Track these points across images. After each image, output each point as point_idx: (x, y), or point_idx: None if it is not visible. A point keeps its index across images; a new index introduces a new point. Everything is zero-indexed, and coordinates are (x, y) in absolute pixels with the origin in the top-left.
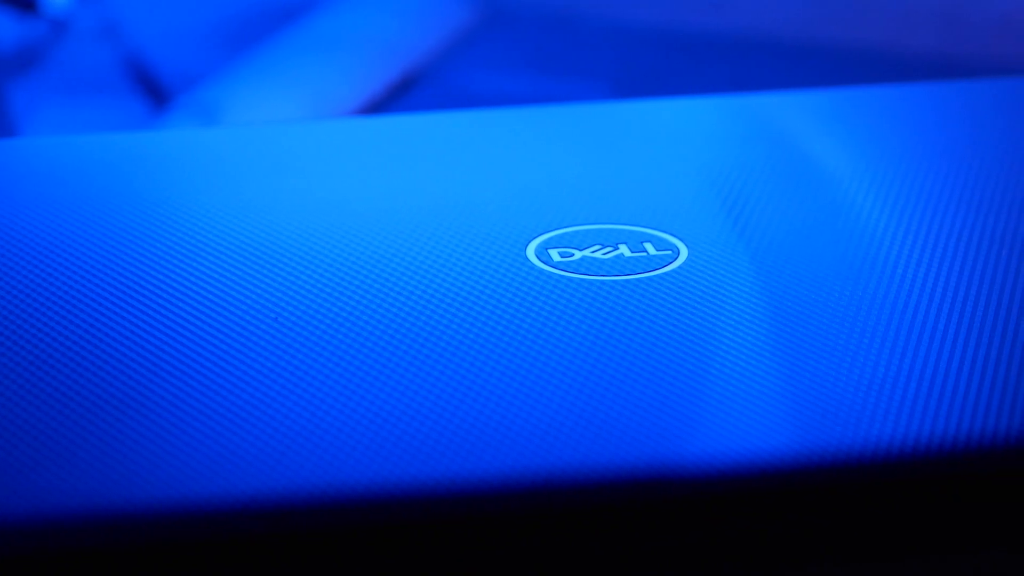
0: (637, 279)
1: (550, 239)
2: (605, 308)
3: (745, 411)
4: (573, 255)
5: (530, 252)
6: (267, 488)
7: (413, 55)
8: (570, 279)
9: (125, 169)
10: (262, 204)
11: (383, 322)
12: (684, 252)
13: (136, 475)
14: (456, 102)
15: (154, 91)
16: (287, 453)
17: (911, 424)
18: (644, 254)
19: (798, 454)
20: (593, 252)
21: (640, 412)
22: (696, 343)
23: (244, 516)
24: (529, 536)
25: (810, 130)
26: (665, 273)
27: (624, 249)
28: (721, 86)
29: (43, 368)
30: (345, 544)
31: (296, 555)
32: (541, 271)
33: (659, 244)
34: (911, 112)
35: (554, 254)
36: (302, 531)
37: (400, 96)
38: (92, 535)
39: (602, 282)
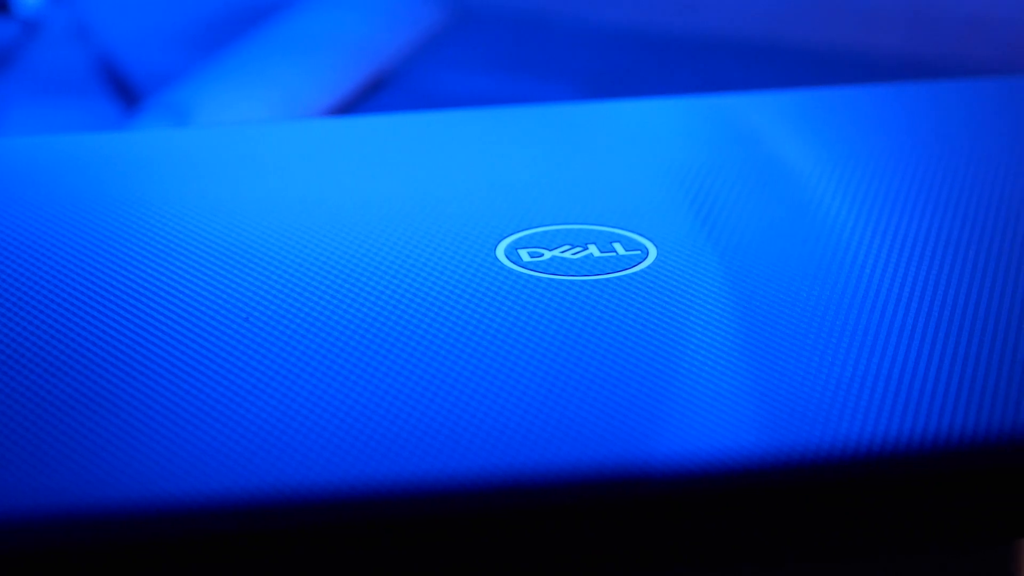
0: (606, 279)
1: (520, 239)
2: (575, 308)
3: (714, 410)
4: (543, 255)
5: (500, 252)
6: (236, 487)
7: (383, 56)
8: (539, 279)
9: (96, 170)
10: (233, 204)
11: (353, 322)
12: (653, 252)
13: (106, 474)
14: (426, 103)
15: (125, 92)
16: (257, 452)
17: (879, 423)
18: (613, 254)
19: (766, 453)
20: (563, 252)
21: (609, 411)
22: (665, 343)
23: (213, 515)
24: (498, 534)
25: (779, 131)
26: (634, 273)
27: (593, 249)
28: (690, 87)
29: (14, 368)
30: (314, 542)
31: (264, 553)
32: (511, 271)
33: (628, 244)
34: (879, 113)
35: (524, 254)
36: (271, 529)
37: (370, 97)
38: (61, 533)
39: (571, 282)
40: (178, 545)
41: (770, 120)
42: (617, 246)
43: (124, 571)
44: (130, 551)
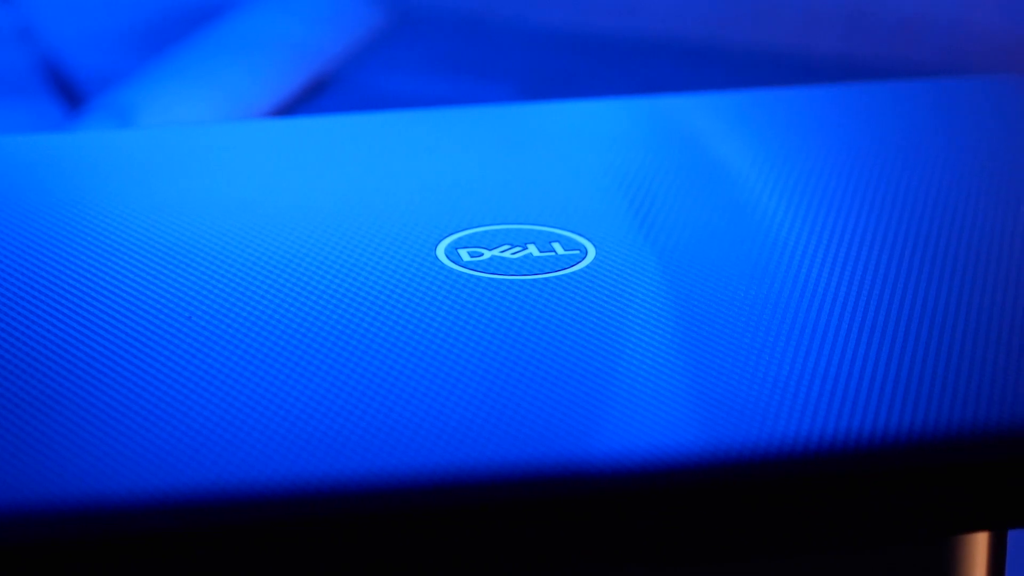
0: (545, 278)
1: (460, 239)
2: (514, 307)
3: (652, 409)
4: (482, 255)
5: (440, 252)
6: (179, 484)
7: (325, 58)
8: (479, 278)
9: (40, 170)
10: (175, 205)
11: (294, 321)
12: (592, 252)
13: (52, 472)
14: (367, 104)
15: (69, 93)
16: (200, 450)
17: (815, 421)
18: (552, 254)
19: (704, 451)
20: (502, 252)
21: (548, 410)
22: (604, 342)
23: (156, 513)
24: (437, 531)
25: (717, 132)
26: (573, 272)
27: (533, 249)
28: (629, 88)
29: None
30: (249, 538)
31: (208, 550)
32: (451, 271)
33: (567, 244)
34: (815, 114)
35: (464, 254)
36: (212, 526)
37: (312, 98)
38: (10, 530)
39: (511, 281)
40: (123, 543)
41: (709, 121)
42: (556, 246)
43: (69, 569)
44: (77, 548)
